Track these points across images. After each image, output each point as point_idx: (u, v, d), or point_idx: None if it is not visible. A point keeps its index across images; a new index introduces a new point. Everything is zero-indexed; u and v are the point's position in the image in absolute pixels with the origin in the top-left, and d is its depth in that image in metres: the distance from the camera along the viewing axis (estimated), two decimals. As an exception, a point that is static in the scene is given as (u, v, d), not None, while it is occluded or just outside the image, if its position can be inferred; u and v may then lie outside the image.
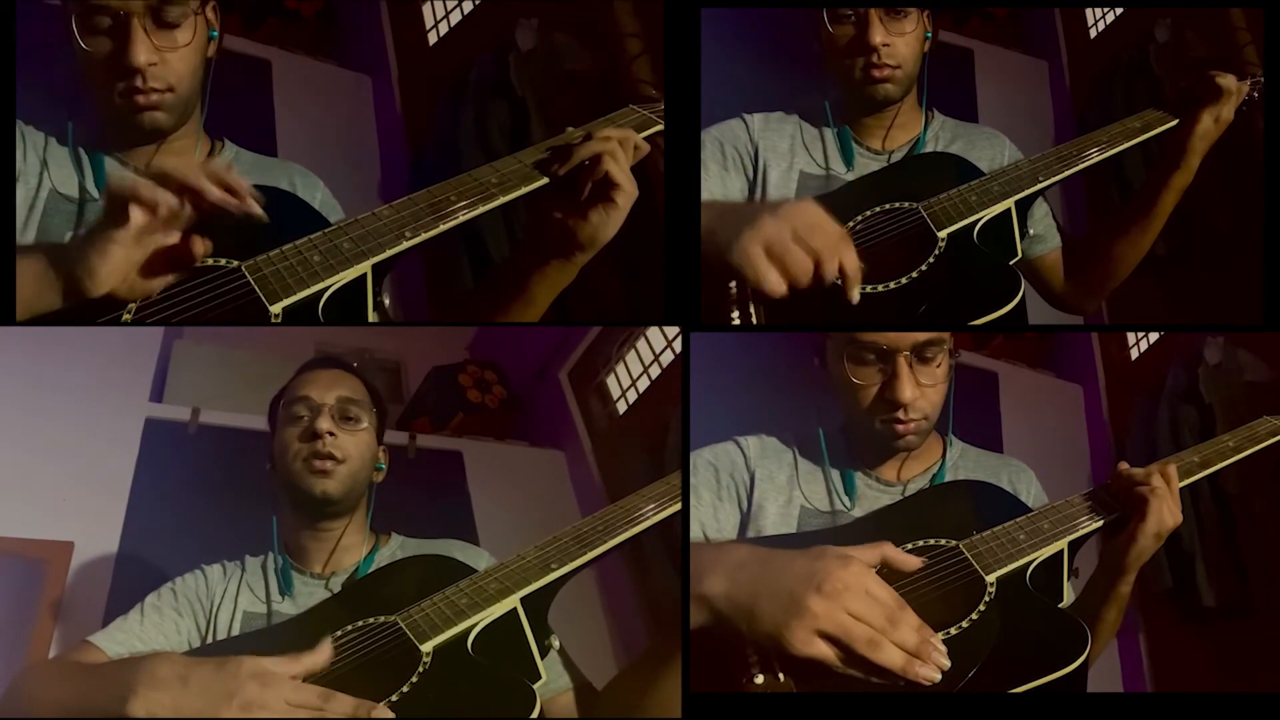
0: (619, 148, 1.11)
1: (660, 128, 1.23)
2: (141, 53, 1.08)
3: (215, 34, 1.17)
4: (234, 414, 1.93)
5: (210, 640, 1.22)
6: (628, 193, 1.12)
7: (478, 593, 1.14)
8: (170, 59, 1.11)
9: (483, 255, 2.07)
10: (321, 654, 1.07)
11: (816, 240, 1.11)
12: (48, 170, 1.14)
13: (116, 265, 0.94)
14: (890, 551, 1.09)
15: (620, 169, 1.11)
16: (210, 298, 1.01)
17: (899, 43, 1.30)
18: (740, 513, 1.29)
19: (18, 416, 1.75)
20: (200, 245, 0.98)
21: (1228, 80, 1.31)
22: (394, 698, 1.06)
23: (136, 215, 0.93)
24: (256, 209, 0.98)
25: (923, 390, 1.23)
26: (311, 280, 1.03)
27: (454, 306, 2.20)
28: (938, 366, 1.25)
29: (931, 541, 1.19)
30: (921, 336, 1.22)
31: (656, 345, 2.13)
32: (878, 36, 1.29)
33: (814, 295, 1.23)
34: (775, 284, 1.10)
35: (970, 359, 2.24)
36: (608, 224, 1.13)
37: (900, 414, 1.23)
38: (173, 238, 0.97)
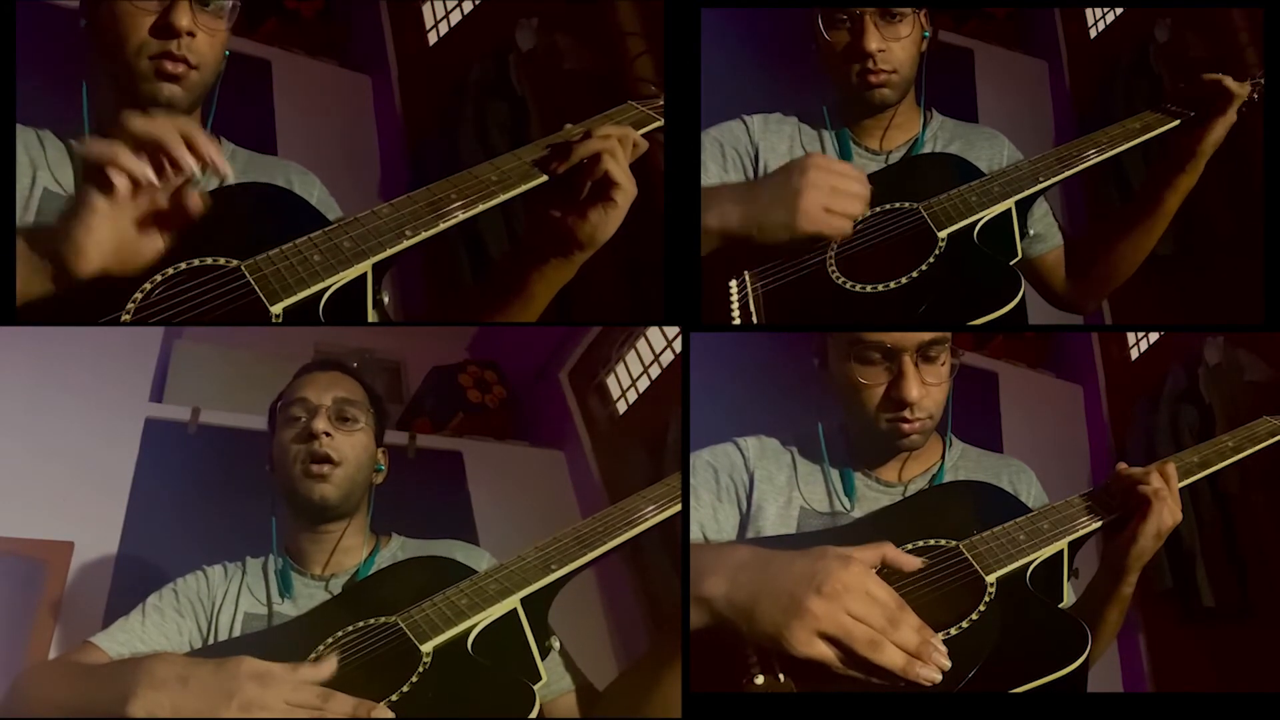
0: (618, 146, 1.11)
1: (659, 125, 1.23)
2: (184, 17, 1.11)
3: (228, 53, 1.19)
4: (234, 414, 1.93)
5: (212, 641, 1.22)
6: (627, 191, 1.12)
7: (478, 593, 1.14)
8: (203, 38, 1.13)
9: (483, 254, 2.07)
10: (324, 668, 1.06)
11: (852, 187, 1.18)
12: (40, 169, 1.14)
13: (103, 238, 0.92)
14: (891, 552, 1.09)
15: (619, 168, 1.11)
16: (210, 298, 1.01)
17: (895, 47, 1.30)
18: (740, 514, 1.29)
19: (18, 416, 1.75)
20: (198, 200, 0.96)
21: (1233, 85, 1.31)
22: (394, 697, 1.06)
23: (119, 181, 0.91)
24: (226, 170, 0.97)
25: (928, 389, 1.23)
26: (312, 280, 1.03)
27: (454, 306, 2.20)
28: (942, 365, 1.25)
29: (931, 542, 1.19)
30: (926, 336, 1.22)
31: (656, 345, 2.13)
32: (873, 43, 1.28)
33: (814, 295, 1.24)
34: (846, 230, 1.17)
35: (970, 359, 2.24)
36: (607, 223, 1.13)
37: (906, 413, 1.23)
38: (159, 201, 0.95)
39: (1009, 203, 1.29)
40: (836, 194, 1.16)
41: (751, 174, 1.37)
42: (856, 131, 1.38)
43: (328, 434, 1.24)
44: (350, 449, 1.26)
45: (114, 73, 1.13)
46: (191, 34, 1.12)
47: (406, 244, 1.07)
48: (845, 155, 1.37)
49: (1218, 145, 1.33)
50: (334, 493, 1.24)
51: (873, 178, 1.34)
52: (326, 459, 1.24)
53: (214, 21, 1.14)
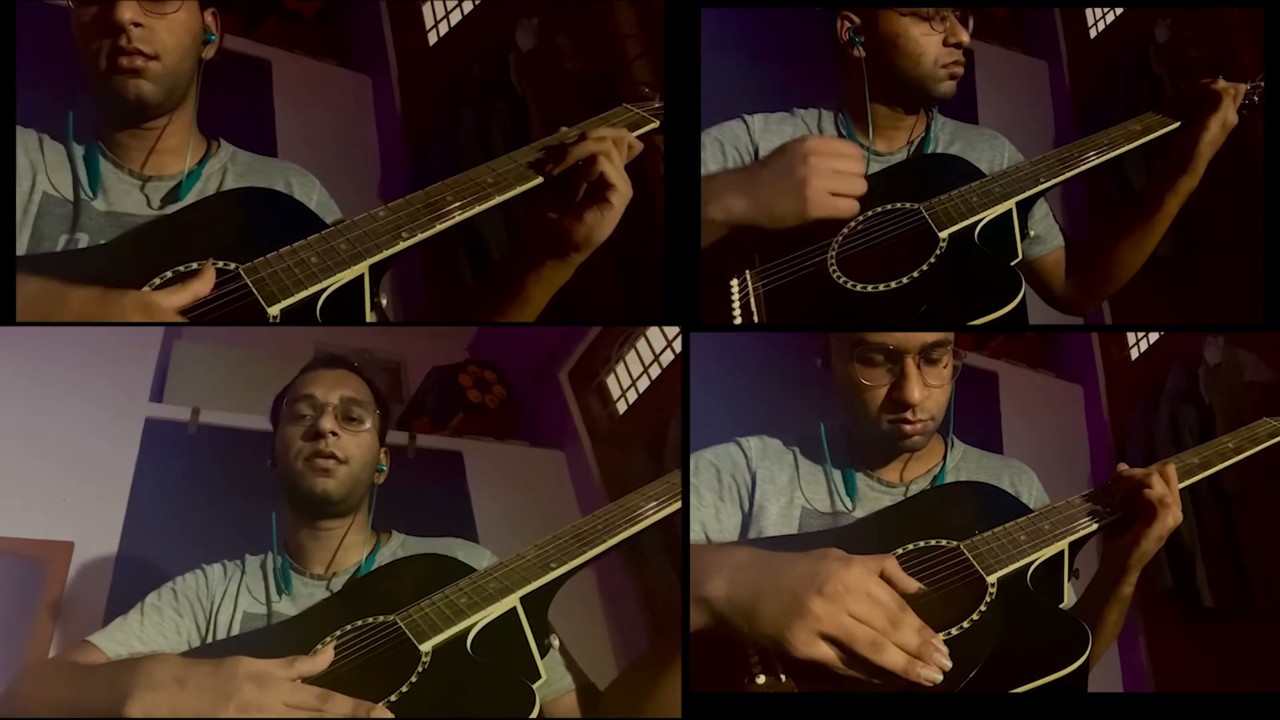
0: (613, 148, 1.12)
1: (655, 126, 1.23)
2: (126, 10, 1.09)
3: (213, 38, 1.18)
4: (234, 414, 1.93)
5: (210, 640, 1.22)
6: (622, 193, 1.12)
7: (477, 592, 1.14)
8: (156, 25, 1.12)
9: (482, 254, 2.07)
10: (320, 659, 1.07)
11: (853, 166, 1.23)
12: (39, 172, 1.14)
13: None
14: (892, 567, 1.09)
15: (615, 169, 1.11)
16: (209, 300, 1.01)
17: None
18: (742, 513, 1.29)
19: (18, 416, 1.75)
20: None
21: (1225, 84, 1.31)
22: (393, 698, 1.06)
23: None
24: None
25: (930, 391, 1.23)
26: (309, 281, 1.03)
27: (453, 306, 2.20)
28: (944, 368, 1.25)
29: (932, 542, 1.19)
30: (929, 338, 1.22)
31: (656, 345, 2.13)
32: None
33: (815, 295, 1.24)
34: (854, 209, 1.23)
35: (970, 359, 2.24)
36: (603, 224, 1.13)
37: (908, 415, 1.23)
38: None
39: (1009, 203, 1.29)
40: (839, 176, 1.21)
41: (751, 173, 1.37)
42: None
43: (334, 434, 1.24)
44: (356, 449, 1.26)
45: (87, 81, 1.13)
46: (138, 24, 1.10)
47: (403, 246, 1.07)
48: None
49: (1217, 145, 1.33)
50: (336, 487, 1.24)
51: (875, 178, 1.35)
52: (332, 457, 1.24)
53: (161, 6, 1.12)
